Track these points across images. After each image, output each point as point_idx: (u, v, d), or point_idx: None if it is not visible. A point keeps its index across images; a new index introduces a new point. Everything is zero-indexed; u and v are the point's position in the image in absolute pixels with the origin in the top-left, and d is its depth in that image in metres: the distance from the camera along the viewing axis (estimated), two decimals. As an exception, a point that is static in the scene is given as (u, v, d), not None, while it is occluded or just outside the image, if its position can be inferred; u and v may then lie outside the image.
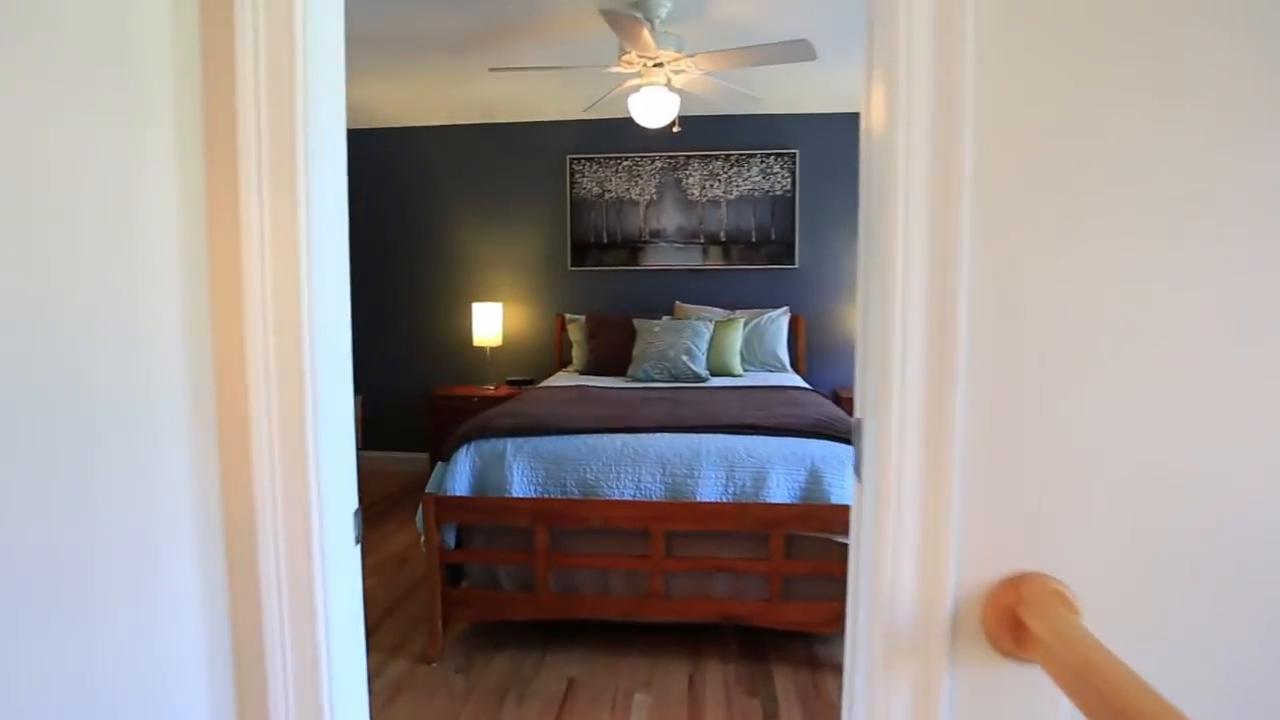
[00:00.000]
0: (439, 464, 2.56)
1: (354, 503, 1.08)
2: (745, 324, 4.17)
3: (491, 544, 2.51)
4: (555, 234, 4.73)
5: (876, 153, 0.93)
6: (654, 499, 2.39)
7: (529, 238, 4.76)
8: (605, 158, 4.62)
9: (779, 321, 4.25)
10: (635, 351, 3.90)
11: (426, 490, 2.50)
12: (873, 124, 0.96)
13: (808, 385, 3.68)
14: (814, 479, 2.36)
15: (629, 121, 4.57)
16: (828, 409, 2.83)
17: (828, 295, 4.55)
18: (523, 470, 2.46)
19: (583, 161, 4.65)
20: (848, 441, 2.42)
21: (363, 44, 3.24)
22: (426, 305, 4.89)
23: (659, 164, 4.59)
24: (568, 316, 4.53)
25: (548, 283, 4.76)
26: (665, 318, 4.29)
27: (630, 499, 2.39)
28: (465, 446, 2.52)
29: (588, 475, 2.43)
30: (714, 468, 2.39)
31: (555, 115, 4.54)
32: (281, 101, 0.93)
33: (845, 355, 4.55)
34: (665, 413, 2.75)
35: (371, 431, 5.02)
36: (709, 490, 2.37)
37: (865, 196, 1.00)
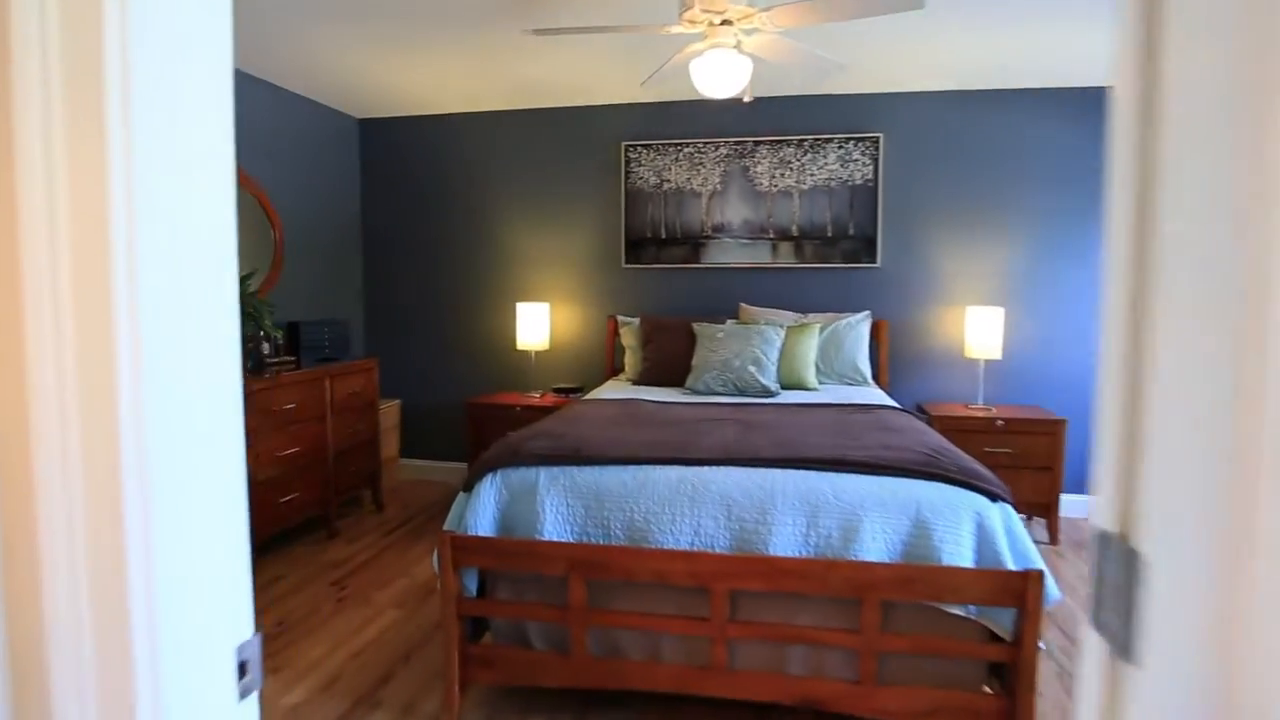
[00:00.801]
0: (460, 495, 2.17)
1: (244, 629, 0.67)
2: (821, 330, 3.66)
3: (520, 594, 2.10)
4: (608, 228, 4.32)
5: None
6: (716, 550, 1.94)
7: (579, 232, 4.37)
8: (664, 144, 4.19)
9: (859, 328, 3.72)
10: (695, 360, 3.45)
11: (445, 526, 2.12)
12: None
13: (895, 403, 3.15)
14: (919, 532, 1.86)
15: (690, 104, 4.14)
16: (930, 437, 2.31)
17: (914, 298, 3.99)
18: (557, 507, 2.04)
19: (639, 148, 4.23)
20: (962, 484, 1.91)
21: (392, 18, 2.91)
22: (467, 305, 4.56)
23: (723, 151, 4.13)
24: (620, 319, 4.11)
25: (599, 282, 4.36)
26: (729, 321, 3.82)
27: (687, 549, 1.94)
28: (490, 476, 2.12)
29: (635, 516, 1.99)
30: (792, 512, 1.92)
31: (608, 98, 4.13)
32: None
33: (931, 366, 3.98)
34: (731, 439, 2.29)
35: (408, 438, 4.72)
36: (785, 541, 1.90)
37: (1128, 175, 0.55)
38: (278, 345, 3.71)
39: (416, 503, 4.26)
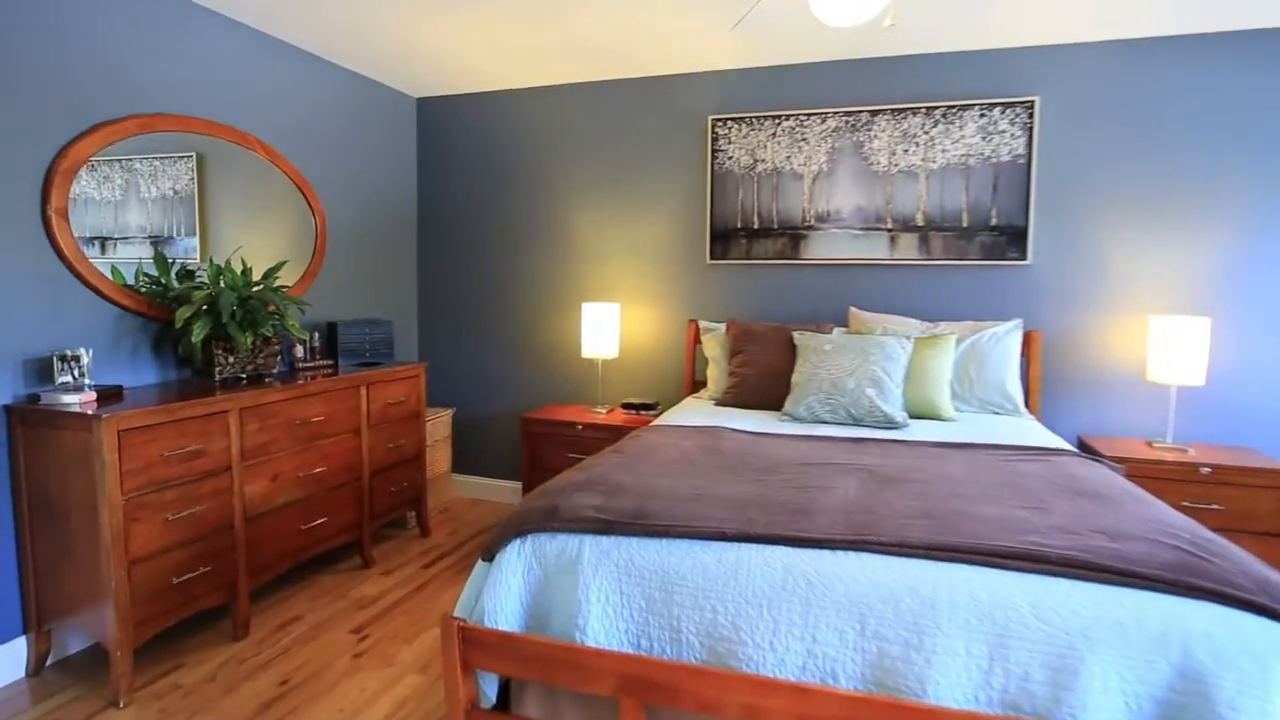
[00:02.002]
0: (479, 565, 1.60)
1: None
2: (957, 343, 2.90)
3: (555, 710, 1.50)
4: (690, 217, 3.69)
5: None
6: (841, 683, 1.27)
7: (656, 222, 3.76)
8: (758, 117, 3.52)
9: (1008, 340, 2.93)
10: (795, 377, 2.77)
11: (456, 611, 1.55)
12: None
13: (1064, 442, 2.37)
14: (1190, 687, 1.13)
15: (791, 68, 3.45)
16: (1161, 511, 1.55)
17: (1075, 303, 3.15)
18: (607, 594, 1.43)
19: (728, 123, 3.57)
20: (1262, 610, 1.17)
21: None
22: (530, 305, 4.03)
23: (831, 123, 3.42)
24: (703, 325, 3.47)
25: (679, 280, 3.74)
26: (837, 330, 3.12)
27: (796, 679, 1.29)
28: (518, 543, 1.53)
29: (720, 619, 1.36)
30: (964, 634, 1.23)
31: (691, 64, 3.50)
32: None
33: (1097, 390, 3.13)
34: (856, 499, 1.61)
35: (461, 452, 4.25)
36: (953, 680, 1.22)
37: None
38: (312, 348, 3.29)
39: (467, 526, 3.76)
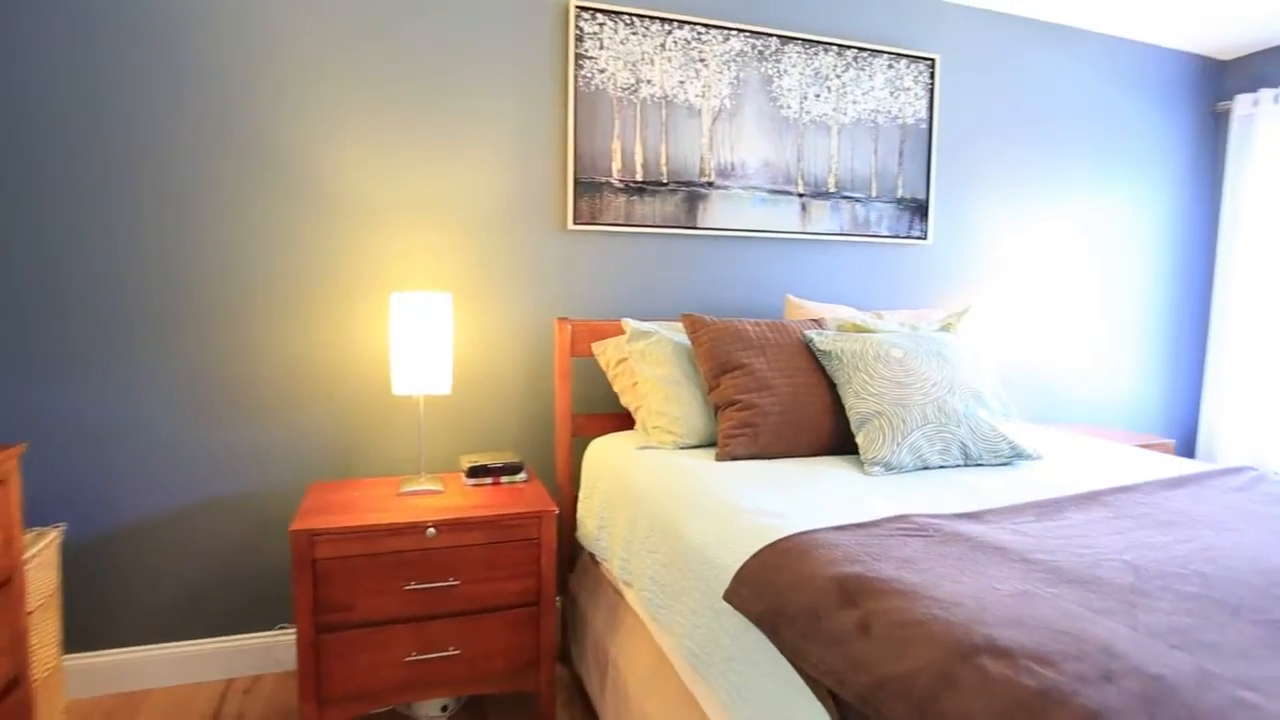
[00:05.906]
0: None
1: None
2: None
3: None
4: (540, 157, 2.34)
5: None
6: None
7: (481, 161, 2.29)
8: (644, 16, 2.39)
9: (976, 333, 2.52)
10: (861, 404, 1.78)
11: None
12: None
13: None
14: None
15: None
16: None
17: (970, 290, 2.95)
18: None
19: (600, 18, 2.34)
20: None
21: None
22: (287, 305, 2.10)
23: (735, 45, 2.51)
24: (632, 326, 2.18)
25: (525, 255, 2.35)
26: (827, 326, 2.28)
27: None
28: None
29: None
30: None
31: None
32: None
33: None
34: None
35: (84, 611, 2.06)
36: None
37: None
38: None
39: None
